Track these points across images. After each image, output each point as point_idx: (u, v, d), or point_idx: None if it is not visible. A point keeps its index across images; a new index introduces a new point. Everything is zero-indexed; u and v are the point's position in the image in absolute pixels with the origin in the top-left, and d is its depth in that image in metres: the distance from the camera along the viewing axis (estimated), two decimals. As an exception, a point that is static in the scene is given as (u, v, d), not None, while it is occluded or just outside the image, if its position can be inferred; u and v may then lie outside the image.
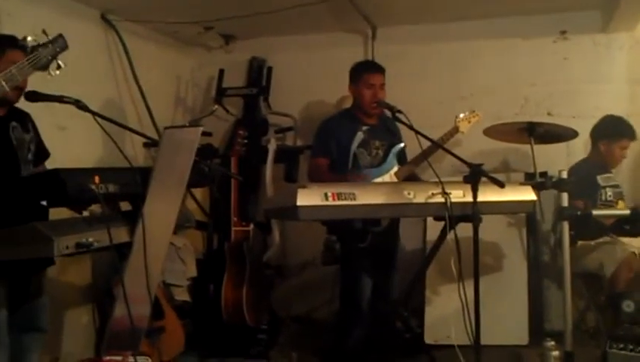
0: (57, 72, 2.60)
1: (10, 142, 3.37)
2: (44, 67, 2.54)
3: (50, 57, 2.55)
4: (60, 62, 2.59)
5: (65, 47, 2.64)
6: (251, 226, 5.11)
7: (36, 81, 3.18)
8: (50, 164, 3.66)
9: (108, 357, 3.03)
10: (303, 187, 3.33)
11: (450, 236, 3.52)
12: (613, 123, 4.82)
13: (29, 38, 2.51)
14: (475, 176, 3.36)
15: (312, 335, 5.38)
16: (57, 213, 3.24)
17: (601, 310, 4.65)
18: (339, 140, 4.45)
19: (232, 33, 6.01)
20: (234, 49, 6.18)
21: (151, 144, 5.12)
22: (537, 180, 4.32)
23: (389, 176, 4.41)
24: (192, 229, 5.10)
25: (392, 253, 4.56)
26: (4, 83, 2.27)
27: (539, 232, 5.13)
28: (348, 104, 4.86)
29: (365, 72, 4.51)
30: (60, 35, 2.63)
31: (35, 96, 3.22)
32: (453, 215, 3.47)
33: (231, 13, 5.11)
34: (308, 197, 3.29)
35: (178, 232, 4.75)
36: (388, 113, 4.26)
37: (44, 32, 2.58)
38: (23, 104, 3.34)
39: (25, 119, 3.54)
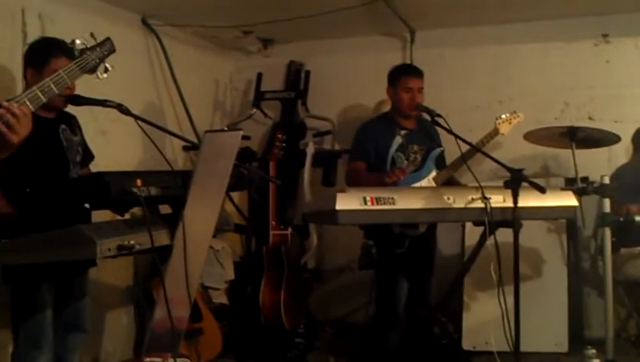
0: (105, 75, 2.61)
1: (60, 144, 3.44)
2: (92, 70, 2.56)
3: (98, 60, 2.57)
4: (107, 66, 2.61)
5: (112, 50, 2.66)
6: (289, 230, 5.13)
7: (78, 85, 3.23)
8: (92, 168, 3.72)
9: (148, 359, 3.05)
10: (342, 191, 3.34)
11: (490, 241, 3.50)
12: None
13: (77, 42, 2.53)
14: (516, 181, 3.34)
15: (348, 340, 5.37)
16: (99, 216, 3.30)
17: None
18: (377, 144, 4.44)
19: (270, 37, 6.04)
20: (272, 53, 6.21)
21: (190, 147, 5.16)
22: (579, 185, 4.27)
23: (427, 181, 4.37)
24: (230, 232, 5.13)
25: (430, 258, 4.52)
26: (53, 86, 2.29)
27: (579, 238, 5.06)
28: (386, 108, 4.85)
29: (403, 75, 4.49)
30: (108, 39, 2.65)
31: (78, 100, 3.28)
32: (493, 220, 3.45)
33: (270, 17, 5.13)
34: (347, 202, 3.30)
35: (217, 235, 4.78)
36: (427, 117, 4.26)
37: (92, 35, 2.60)
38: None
39: (72, 122, 3.61)
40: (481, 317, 4.67)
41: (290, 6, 4.91)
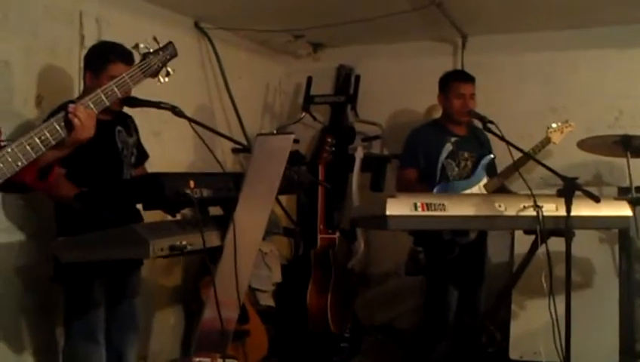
0: (166, 79, 2.65)
1: (115, 146, 3.51)
2: (155, 74, 2.60)
3: (160, 64, 2.61)
4: (169, 70, 2.65)
5: (174, 54, 2.69)
6: (337, 234, 5.13)
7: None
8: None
9: (197, 359, 3.08)
10: (393, 196, 3.33)
11: (541, 250, 3.46)
12: None
13: (140, 45, 2.57)
14: (569, 190, 3.30)
15: (394, 345, 5.35)
16: (149, 216, 3.36)
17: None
18: (427, 151, 4.42)
19: (320, 41, 6.05)
20: (322, 57, 6.22)
21: (240, 150, 5.20)
22: (633, 195, 4.19)
23: (477, 188, 4.34)
24: (278, 235, 5.15)
25: (480, 266, 4.49)
26: (116, 90, 2.35)
27: (632, 249, 4.95)
28: (436, 113, 4.83)
29: (455, 81, 4.47)
30: (170, 43, 2.68)
31: (133, 102, 3.33)
32: (544, 229, 3.41)
33: (321, 22, 5.14)
34: (397, 207, 3.29)
35: (266, 238, 4.80)
36: (478, 123, 4.23)
37: (154, 39, 2.64)
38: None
39: (128, 122, 3.68)
40: (530, 327, 4.62)
41: (341, 11, 4.92)
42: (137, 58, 2.62)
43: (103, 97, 2.32)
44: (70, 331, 3.50)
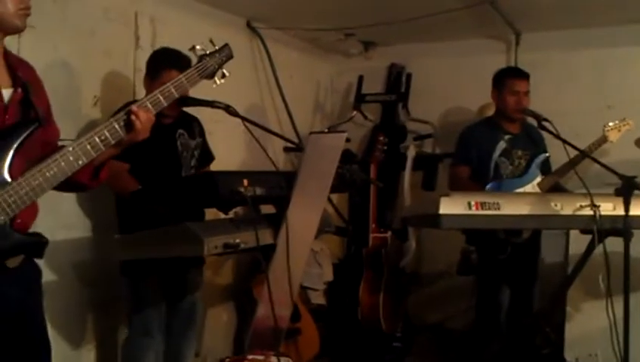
0: (222, 81, 2.67)
1: (175, 148, 3.59)
2: (211, 76, 2.62)
3: (216, 66, 2.63)
4: (224, 72, 2.67)
5: (230, 57, 2.71)
6: (389, 233, 5.11)
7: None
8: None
9: (251, 356, 3.11)
10: (446, 195, 3.32)
11: (598, 251, 3.40)
12: None
13: (197, 47, 2.60)
14: (628, 189, 3.24)
15: (446, 346, 5.31)
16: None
17: None
18: (480, 148, 4.38)
19: (371, 40, 6.04)
20: (373, 55, 6.20)
21: (292, 148, 5.21)
22: (693, 194, 4.08)
23: (531, 187, 4.28)
24: (329, 234, 5.16)
25: (533, 266, 4.43)
26: (174, 90, 2.39)
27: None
28: (489, 112, 4.77)
29: (509, 77, 4.42)
30: (226, 45, 2.70)
31: (187, 102, 3.38)
32: (602, 229, 3.35)
33: (372, 21, 5.13)
34: (451, 206, 3.27)
35: (317, 237, 4.82)
36: (532, 121, 4.17)
37: (211, 41, 2.66)
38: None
39: (192, 125, 3.75)
40: (585, 328, 4.54)
41: (393, 9, 4.89)
42: (194, 60, 2.63)
43: (161, 98, 2.37)
44: (131, 325, 3.59)
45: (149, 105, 2.32)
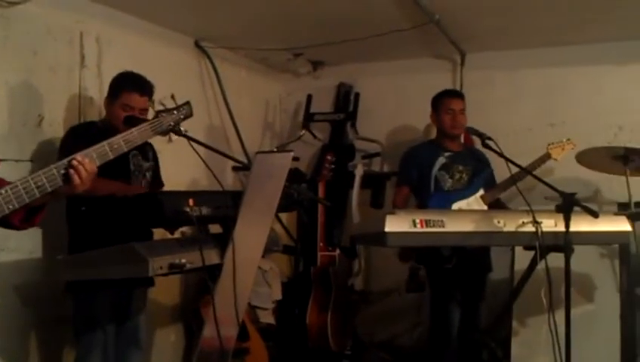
0: (177, 138, 2.64)
1: (127, 166, 3.57)
2: (165, 132, 2.59)
3: (172, 124, 2.60)
4: (182, 129, 2.64)
5: (189, 115, 2.69)
6: (337, 251, 5.13)
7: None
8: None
9: (197, 377, 3.09)
10: (392, 213, 3.35)
11: (541, 266, 3.46)
12: None
13: (156, 102, 2.58)
14: (568, 205, 3.31)
15: (395, 363, 5.34)
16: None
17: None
18: (420, 166, 4.50)
19: (320, 59, 6.08)
20: (322, 75, 6.25)
21: (240, 168, 5.21)
22: (632, 210, 4.19)
23: (473, 199, 4.36)
24: (278, 253, 5.15)
25: (482, 283, 4.50)
26: (123, 144, 2.32)
27: (633, 264, 4.95)
28: (435, 130, 4.85)
29: (444, 97, 4.58)
30: (187, 103, 2.68)
31: (132, 121, 3.36)
32: (544, 245, 3.41)
33: (320, 40, 5.17)
34: (396, 224, 3.31)
35: (265, 256, 4.81)
36: (476, 141, 4.25)
37: (172, 97, 2.65)
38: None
39: (146, 148, 3.75)
40: (530, 343, 4.61)
41: (341, 29, 4.94)
42: (152, 113, 2.61)
43: (108, 150, 2.29)
44: (79, 345, 3.54)
45: (95, 156, 2.23)
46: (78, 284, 3.31)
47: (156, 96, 3.46)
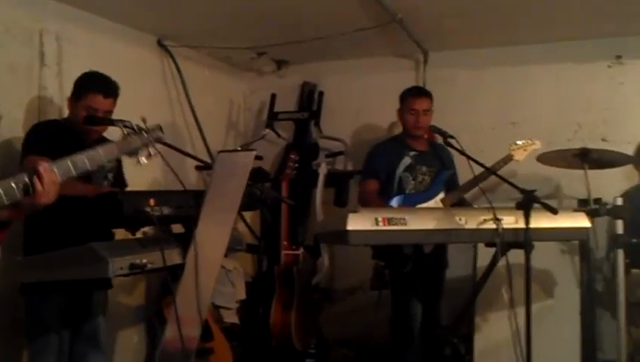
0: (145, 161, 2.59)
1: None
2: (133, 154, 2.54)
3: (141, 145, 2.55)
4: (151, 151, 2.59)
5: (160, 140, 2.64)
6: (301, 250, 5.13)
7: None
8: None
9: (159, 378, 3.07)
10: (354, 211, 3.35)
11: (502, 263, 3.49)
12: None
13: (127, 123, 2.53)
14: (527, 203, 3.34)
15: (359, 360, 5.34)
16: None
17: (658, 341, 4.54)
18: (386, 163, 4.49)
19: (284, 58, 6.08)
20: (286, 74, 6.25)
21: (203, 167, 5.17)
22: (591, 207, 4.25)
23: (434, 203, 4.38)
24: (242, 252, 5.14)
25: (440, 279, 4.53)
26: (87, 162, 2.22)
27: (592, 260, 5.02)
28: (399, 129, 4.87)
29: (409, 96, 4.56)
30: (158, 126, 2.64)
31: (93, 121, 3.34)
32: (504, 241, 3.44)
33: (284, 39, 5.17)
34: (359, 222, 3.30)
35: (229, 255, 4.80)
36: (439, 138, 4.27)
37: (143, 119, 2.60)
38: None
39: None
40: (493, 339, 4.65)
41: (304, 27, 4.95)
42: (120, 135, 2.55)
43: (71, 167, 2.18)
44: (31, 348, 3.49)
45: (56, 171, 2.12)
46: (31, 287, 3.23)
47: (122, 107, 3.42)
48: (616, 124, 5.27)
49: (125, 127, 2.55)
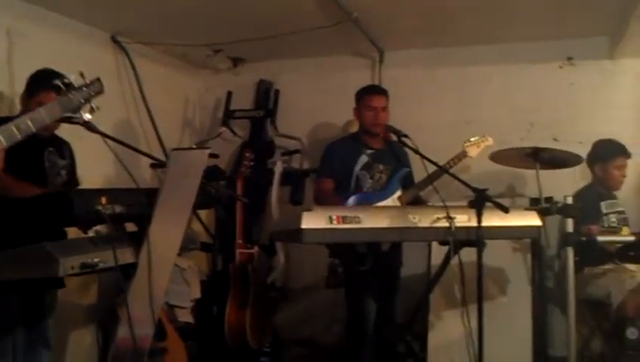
0: (90, 116, 2.55)
1: (42, 163, 3.49)
2: (75, 110, 2.50)
3: (82, 101, 2.52)
4: (94, 106, 2.55)
5: (100, 92, 2.60)
6: (256, 248, 5.12)
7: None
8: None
9: (111, 378, 3.04)
10: (308, 210, 3.35)
11: (455, 261, 3.52)
12: (603, 145, 4.85)
13: (64, 80, 2.48)
14: (479, 201, 3.37)
15: (314, 359, 5.36)
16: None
17: (606, 337, 4.62)
18: (343, 162, 4.49)
19: (240, 56, 6.06)
20: (242, 71, 6.23)
21: (158, 165, 5.12)
22: (542, 206, 4.31)
23: (391, 201, 4.40)
24: (196, 251, 5.10)
25: (394, 277, 4.56)
26: (30, 123, 2.21)
27: (544, 258, 5.10)
28: (354, 128, 4.89)
29: (367, 94, 4.58)
30: (97, 79, 2.60)
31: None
32: (457, 239, 3.48)
33: (240, 37, 5.15)
34: (313, 220, 3.31)
35: (183, 254, 4.76)
36: (394, 137, 4.29)
37: (81, 74, 2.55)
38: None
39: (63, 146, 3.68)
40: (446, 337, 4.69)
41: (261, 25, 4.94)
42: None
43: (16, 131, 2.17)
44: None
45: (2, 139, 2.12)
46: None
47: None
48: (567, 124, 5.36)
49: (64, 83, 2.50)
